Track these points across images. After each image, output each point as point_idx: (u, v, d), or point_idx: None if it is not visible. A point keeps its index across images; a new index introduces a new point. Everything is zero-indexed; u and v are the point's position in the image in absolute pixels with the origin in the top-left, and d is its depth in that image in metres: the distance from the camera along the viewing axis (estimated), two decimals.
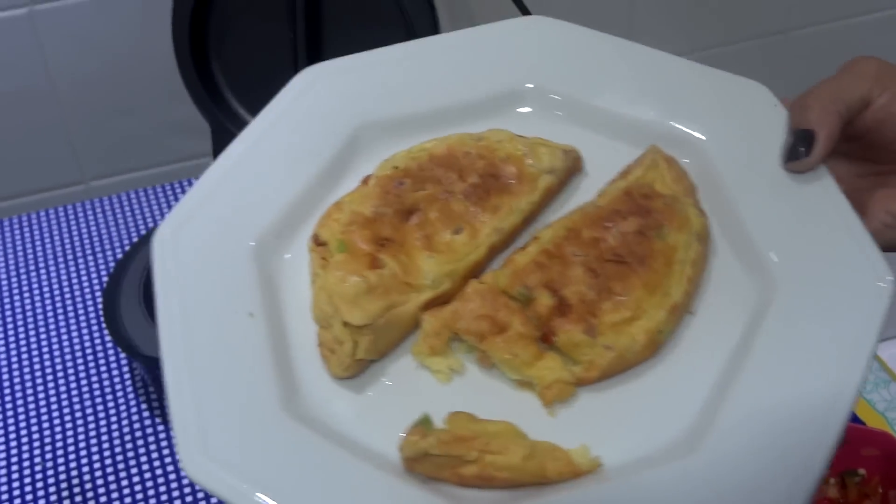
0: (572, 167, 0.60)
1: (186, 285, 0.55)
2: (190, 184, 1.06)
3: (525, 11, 0.93)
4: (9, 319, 0.95)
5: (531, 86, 0.64)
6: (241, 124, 0.96)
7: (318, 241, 0.56)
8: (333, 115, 0.63)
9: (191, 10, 0.92)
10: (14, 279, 0.99)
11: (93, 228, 1.05)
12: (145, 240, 0.91)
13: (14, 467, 0.82)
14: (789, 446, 0.47)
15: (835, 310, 0.52)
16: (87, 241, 1.03)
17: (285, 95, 0.64)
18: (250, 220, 0.58)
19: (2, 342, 0.93)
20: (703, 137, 0.60)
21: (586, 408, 0.51)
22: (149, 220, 1.05)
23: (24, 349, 0.92)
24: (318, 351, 0.53)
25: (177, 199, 1.04)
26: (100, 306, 0.93)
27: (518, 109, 0.64)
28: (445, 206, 0.57)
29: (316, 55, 0.94)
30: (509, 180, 0.58)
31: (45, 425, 0.85)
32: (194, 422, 0.49)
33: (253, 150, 0.61)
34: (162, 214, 1.04)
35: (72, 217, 1.06)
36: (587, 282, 0.53)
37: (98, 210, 1.07)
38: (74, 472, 0.81)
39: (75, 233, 1.04)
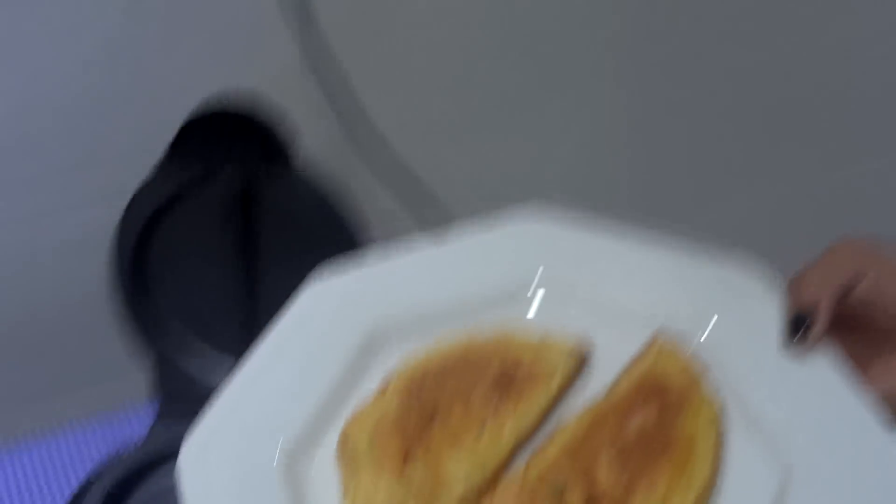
0: (581, 364, 0.63)
1: None
2: (127, 420, 1.00)
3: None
4: None
5: (535, 278, 0.67)
6: (185, 352, 0.95)
7: (344, 452, 0.57)
8: (346, 320, 0.65)
9: (131, 246, 0.92)
10: None
11: (21, 481, 0.95)
12: (83, 491, 0.86)
13: None
14: None
15: (853, 482, 0.54)
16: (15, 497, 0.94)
17: (296, 306, 0.66)
18: (273, 435, 0.59)
19: None
20: (705, 323, 0.63)
21: None
22: (79, 469, 0.94)
23: None
24: None
25: (114, 440, 0.96)
26: None
27: (525, 300, 0.67)
28: (466, 408, 0.58)
29: (254, 283, 0.95)
30: (524, 382, 0.60)
31: None
32: None
33: (266, 365, 0.62)
34: (91, 459, 0.95)
35: None
36: (615, 471, 0.54)
37: (26, 461, 0.96)
38: None
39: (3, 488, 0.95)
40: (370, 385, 0.62)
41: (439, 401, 0.59)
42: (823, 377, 0.58)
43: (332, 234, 0.93)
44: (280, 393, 0.61)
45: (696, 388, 0.59)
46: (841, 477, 0.54)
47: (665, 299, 0.65)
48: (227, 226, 0.94)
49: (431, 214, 1.03)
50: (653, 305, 0.65)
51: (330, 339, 0.64)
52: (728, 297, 0.64)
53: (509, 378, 0.60)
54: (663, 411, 0.57)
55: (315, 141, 0.95)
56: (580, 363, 0.63)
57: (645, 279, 0.67)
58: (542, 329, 0.64)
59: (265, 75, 0.96)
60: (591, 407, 0.59)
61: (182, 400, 0.59)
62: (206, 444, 0.58)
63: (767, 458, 0.56)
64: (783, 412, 0.57)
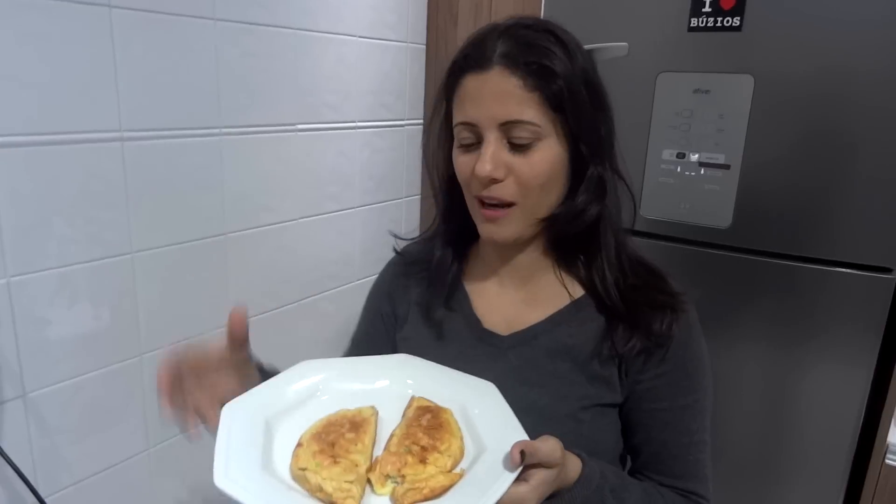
0: (375, 413, 1.29)
1: None
2: None
3: None
4: None
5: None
6: None
7: (299, 475, 1.16)
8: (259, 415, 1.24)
9: None
10: None
11: None
12: None
13: None
14: None
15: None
16: None
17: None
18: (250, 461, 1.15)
19: None
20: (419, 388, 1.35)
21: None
22: None
23: None
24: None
25: None
26: None
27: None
28: (344, 438, 1.21)
29: None
30: (362, 424, 1.25)
31: None
32: None
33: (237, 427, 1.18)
34: None
35: None
36: (425, 439, 1.20)
37: None
38: None
39: None
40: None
41: (332, 439, 1.20)
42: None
43: None
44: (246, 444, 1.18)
45: (441, 407, 1.29)
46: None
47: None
48: None
49: None
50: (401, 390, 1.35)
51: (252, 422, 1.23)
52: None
53: (355, 424, 1.24)
54: (434, 415, 1.25)
55: None
56: (375, 412, 1.29)
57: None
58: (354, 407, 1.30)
59: None
60: (402, 422, 1.26)
61: None
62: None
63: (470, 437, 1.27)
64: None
